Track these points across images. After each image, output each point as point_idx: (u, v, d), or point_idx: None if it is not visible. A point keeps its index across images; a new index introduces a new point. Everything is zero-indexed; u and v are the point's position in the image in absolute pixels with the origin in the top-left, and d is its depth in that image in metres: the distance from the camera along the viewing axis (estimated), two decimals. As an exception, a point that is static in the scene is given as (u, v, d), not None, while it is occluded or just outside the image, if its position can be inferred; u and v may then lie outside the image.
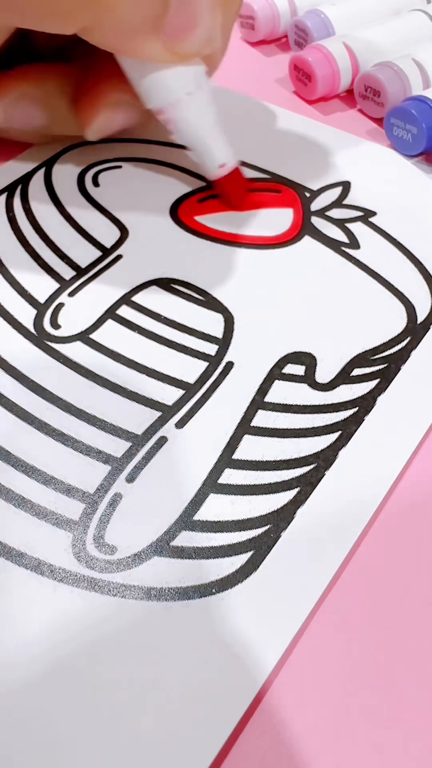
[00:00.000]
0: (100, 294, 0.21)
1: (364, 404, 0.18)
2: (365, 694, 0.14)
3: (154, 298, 0.21)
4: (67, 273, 0.21)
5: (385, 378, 0.19)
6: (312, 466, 0.17)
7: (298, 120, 0.28)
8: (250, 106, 0.29)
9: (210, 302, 0.21)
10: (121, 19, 0.17)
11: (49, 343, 0.19)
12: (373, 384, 0.19)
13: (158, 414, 0.18)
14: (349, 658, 0.15)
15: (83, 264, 0.22)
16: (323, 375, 0.19)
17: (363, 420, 0.18)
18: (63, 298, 0.21)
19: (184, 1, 0.17)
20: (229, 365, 0.19)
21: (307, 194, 0.25)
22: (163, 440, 0.17)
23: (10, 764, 0.13)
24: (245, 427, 0.18)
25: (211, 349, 0.20)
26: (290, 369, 0.19)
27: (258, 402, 0.18)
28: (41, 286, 0.21)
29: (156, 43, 0.18)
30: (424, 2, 0.32)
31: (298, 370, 0.19)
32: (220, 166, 0.22)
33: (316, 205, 0.24)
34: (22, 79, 0.22)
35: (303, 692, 0.14)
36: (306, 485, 0.17)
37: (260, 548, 0.16)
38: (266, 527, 0.16)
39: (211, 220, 0.23)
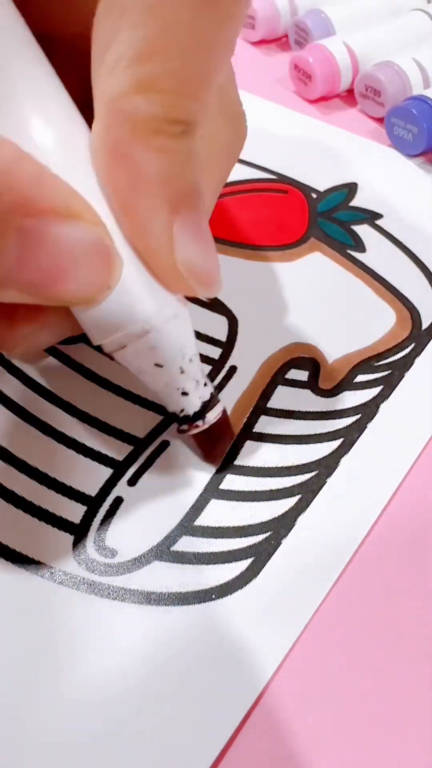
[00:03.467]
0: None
1: (367, 411, 0.18)
2: (364, 699, 0.14)
3: (159, 300, 0.21)
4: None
5: (389, 385, 0.19)
6: (314, 473, 0.17)
7: (301, 120, 0.28)
8: (253, 105, 0.29)
9: (214, 305, 0.21)
10: None
11: (53, 345, 0.19)
12: (376, 391, 0.19)
13: (161, 417, 0.18)
14: (348, 663, 0.15)
15: (88, 264, 0.22)
16: (327, 381, 0.19)
17: (365, 427, 0.18)
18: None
19: (31, 252, 0.12)
20: (233, 369, 0.19)
21: (314, 195, 0.25)
22: (165, 444, 0.17)
23: (10, 764, 0.13)
24: (247, 432, 0.18)
25: (215, 352, 0.20)
26: (293, 374, 0.19)
27: (261, 407, 0.18)
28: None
29: (8, 291, 0.12)
30: (424, 2, 0.32)
31: (302, 375, 0.19)
32: (188, 423, 0.16)
33: (322, 207, 0.24)
34: None
35: (302, 695, 0.14)
36: (307, 492, 0.17)
37: (260, 555, 0.16)
38: (267, 534, 0.16)
39: (216, 221, 0.23)
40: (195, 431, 0.16)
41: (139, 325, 0.14)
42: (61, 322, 0.15)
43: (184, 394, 0.15)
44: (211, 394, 0.16)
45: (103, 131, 0.12)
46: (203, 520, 0.16)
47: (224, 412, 0.16)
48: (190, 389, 0.15)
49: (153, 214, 0.13)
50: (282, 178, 0.25)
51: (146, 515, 0.16)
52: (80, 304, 0.13)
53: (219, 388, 0.19)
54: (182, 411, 0.16)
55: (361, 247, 0.23)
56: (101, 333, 0.14)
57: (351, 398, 0.19)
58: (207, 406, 0.16)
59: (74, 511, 0.16)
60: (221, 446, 0.17)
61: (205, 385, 0.16)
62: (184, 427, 0.16)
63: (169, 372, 0.15)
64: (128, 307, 0.13)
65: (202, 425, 0.16)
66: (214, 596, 0.15)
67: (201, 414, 0.16)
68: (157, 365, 0.14)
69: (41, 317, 0.15)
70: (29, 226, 0.12)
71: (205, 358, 0.19)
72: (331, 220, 0.24)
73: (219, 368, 0.19)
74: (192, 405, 0.15)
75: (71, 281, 0.12)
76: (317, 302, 0.21)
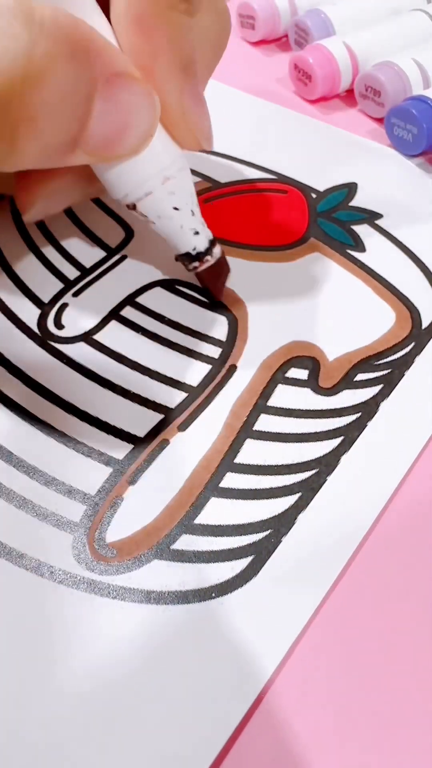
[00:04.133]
0: (104, 295, 0.21)
1: (367, 409, 0.18)
2: (365, 697, 0.14)
3: (158, 300, 0.21)
4: (72, 273, 0.21)
5: (389, 383, 0.19)
6: (314, 471, 0.17)
7: (301, 120, 0.28)
8: (254, 105, 0.29)
9: (214, 304, 0.21)
10: (24, 159, 0.15)
11: (53, 344, 0.19)
12: (376, 389, 0.19)
13: (161, 416, 0.18)
14: (349, 661, 0.15)
15: (88, 264, 0.22)
16: (326, 379, 0.19)
17: (366, 425, 0.18)
18: (67, 298, 0.21)
19: (109, 113, 0.15)
20: (233, 368, 0.19)
21: (314, 195, 0.25)
22: (165, 443, 0.17)
23: (10, 764, 0.13)
24: (248, 430, 0.18)
25: (215, 351, 0.20)
26: (294, 373, 0.19)
27: (261, 406, 0.18)
28: (45, 285, 0.21)
29: (81, 155, 0.15)
30: (424, 2, 0.32)
31: (302, 374, 0.19)
32: (199, 260, 0.19)
33: (322, 207, 0.24)
34: None
35: (303, 694, 0.14)
36: (308, 490, 0.17)
37: (261, 553, 0.16)
38: (267, 532, 0.16)
39: (216, 221, 0.23)
40: (206, 266, 0.19)
41: (161, 174, 0.17)
42: (71, 188, 0.18)
43: (196, 233, 0.19)
44: (213, 235, 0.19)
45: (126, 4, 0.15)
46: (203, 518, 0.16)
47: (223, 251, 0.20)
48: (200, 229, 0.19)
49: (169, 76, 0.15)
50: (282, 178, 0.25)
51: (146, 514, 0.16)
52: (128, 156, 0.16)
53: (219, 387, 0.19)
54: (194, 249, 0.19)
55: (360, 246, 0.23)
56: (132, 184, 0.17)
57: (351, 397, 0.19)
58: (213, 243, 0.19)
59: (74, 510, 0.16)
60: (223, 279, 0.20)
61: (207, 227, 0.19)
62: (196, 264, 0.19)
63: (184, 214, 0.18)
64: (155, 158, 0.17)
65: (211, 260, 0.19)
66: (214, 595, 0.15)
67: (210, 249, 0.19)
68: (175, 208, 0.18)
69: (56, 182, 0.18)
70: (111, 88, 0.14)
71: (204, 358, 0.19)
72: (331, 220, 0.24)
73: (219, 367, 0.19)
74: (202, 242, 0.19)
75: (131, 136, 0.15)
76: (317, 302, 0.21)
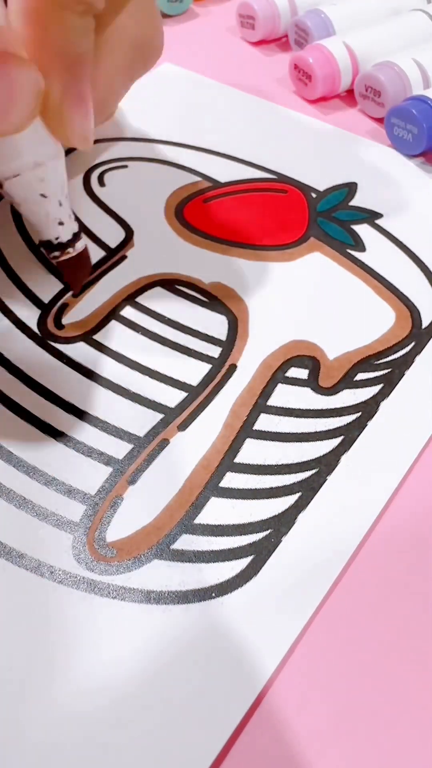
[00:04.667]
0: (104, 295, 0.21)
1: (367, 409, 0.18)
2: (364, 697, 0.14)
3: (158, 300, 0.21)
4: (72, 273, 0.21)
5: (389, 383, 0.19)
6: (314, 471, 0.17)
7: (301, 120, 0.28)
8: (254, 105, 0.29)
9: (214, 304, 0.21)
10: None
11: (53, 344, 0.19)
12: (376, 389, 0.19)
13: (160, 416, 0.18)
14: (349, 661, 0.15)
15: (88, 264, 0.22)
16: (327, 379, 0.19)
17: (366, 425, 0.18)
18: (67, 298, 0.21)
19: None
20: (233, 368, 0.19)
21: (314, 195, 0.25)
22: (165, 443, 0.17)
23: (10, 764, 0.13)
24: (248, 430, 0.18)
25: (215, 351, 0.20)
26: (293, 372, 0.19)
27: (261, 405, 0.18)
28: (45, 286, 0.21)
29: None
30: (424, 2, 0.32)
31: (302, 373, 0.19)
32: (60, 250, 0.19)
33: (322, 207, 0.24)
34: None
35: (303, 694, 0.14)
36: (308, 490, 0.17)
37: (261, 553, 0.16)
38: (267, 532, 0.16)
39: (216, 221, 0.23)
40: (66, 257, 0.19)
41: (33, 159, 0.17)
42: None
43: (61, 223, 0.19)
44: (78, 229, 0.19)
45: None
46: (203, 518, 0.16)
47: (86, 247, 0.19)
48: (65, 220, 0.19)
49: (52, 71, 0.16)
50: (282, 178, 0.25)
51: (146, 514, 0.16)
52: (7, 133, 0.16)
53: (219, 386, 0.19)
54: (57, 239, 0.19)
55: (360, 246, 0.23)
56: (2, 162, 0.17)
57: (351, 396, 0.19)
58: (76, 237, 0.19)
59: (74, 510, 0.16)
60: (83, 274, 0.20)
61: (75, 220, 0.19)
62: (57, 253, 0.19)
63: (51, 202, 0.18)
64: (28, 142, 0.17)
65: (72, 252, 0.19)
66: (214, 594, 0.15)
67: (72, 242, 0.19)
68: (42, 195, 0.18)
69: None
70: (2, 64, 0.14)
71: (204, 357, 0.19)
72: (331, 220, 0.24)
73: (219, 367, 0.19)
74: (66, 233, 0.19)
75: (13, 113, 0.15)
76: (317, 301, 0.21)
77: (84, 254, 0.20)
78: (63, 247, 0.19)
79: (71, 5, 0.15)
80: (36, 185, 0.18)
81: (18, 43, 0.15)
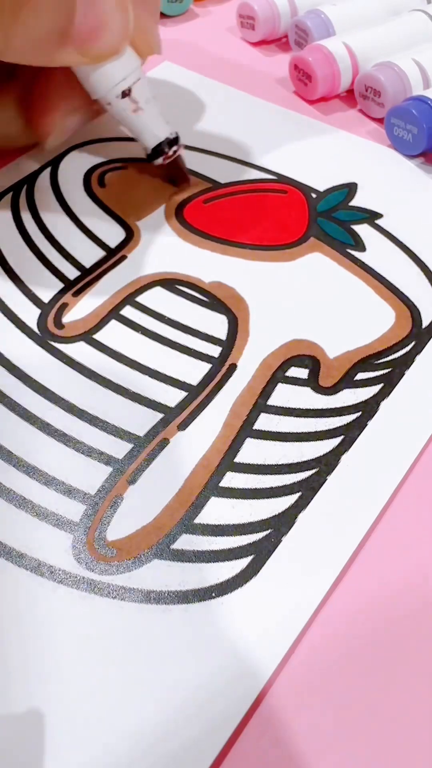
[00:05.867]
0: (104, 294, 0.21)
1: (368, 409, 0.18)
2: (364, 697, 0.14)
3: (158, 299, 0.21)
4: (72, 273, 0.21)
5: (389, 383, 0.19)
6: (314, 471, 0.17)
7: (301, 120, 0.28)
8: (254, 105, 0.29)
9: (214, 304, 0.21)
10: (26, 38, 0.18)
11: (53, 343, 0.19)
12: (376, 388, 0.19)
13: (160, 416, 0.18)
14: (349, 661, 0.14)
15: (88, 264, 0.22)
16: (327, 378, 0.19)
17: (366, 425, 0.18)
18: (67, 298, 0.21)
19: (89, 7, 0.18)
20: (232, 367, 0.19)
21: (314, 195, 0.25)
22: (165, 442, 0.17)
23: (4, 764, 0.13)
24: (248, 430, 0.18)
25: (215, 350, 0.20)
26: (294, 372, 0.19)
27: (261, 405, 0.18)
28: (45, 285, 0.21)
29: (68, 50, 0.18)
30: (424, 2, 0.32)
31: (302, 373, 0.19)
32: (175, 142, 0.23)
33: (322, 207, 0.24)
34: None
35: (303, 694, 0.14)
36: (308, 490, 0.17)
37: (261, 553, 0.16)
38: (267, 531, 0.16)
39: (216, 222, 0.23)
40: (181, 150, 0.23)
41: (138, 69, 0.21)
42: (82, 108, 0.23)
43: (168, 122, 0.23)
44: None
45: None
46: (203, 518, 0.16)
47: None
48: (167, 120, 0.23)
49: None
50: (282, 179, 0.25)
51: (146, 513, 0.16)
52: (111, 55, 0.20)
53: (219, 386, 0.19)
54: (172, 134, 0.23)
55: (361, 246, 0.23)
56: (127, 70, 0.21)
57: (351, 396, 0.19)
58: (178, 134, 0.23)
59: (74, 510, 0.16)
60: (184, 169, 0.24)
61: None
62: (175, 148, 0.23)
63: (157, 104, 0.22)
64: (131, 56, 0.21)
65: (182, 145, 0.23)
66: (214, 594, 0.15)
67: (178, 138, 0.23)
68: (154, 97, 0.22)
69: (69, 103, 0.22)
70: None
71: (204, 357, 0.19)
72: (331, 220, 0.24)
73: (219, 367, 0.19)
74: (173, 130, 0.23)
75: (109, 33, 0.19)
76: (317, 301, 0.21)
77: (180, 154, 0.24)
78: (176, 141, 0.23)
79: None
80: (147, 88, 0.22)
81: None
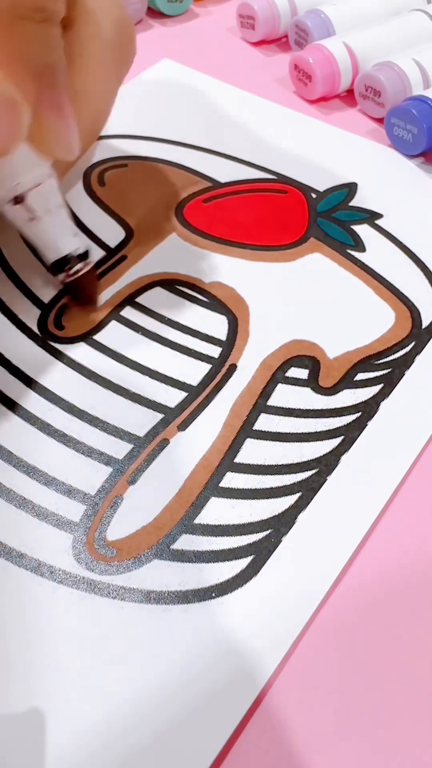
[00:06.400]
0: (104, 295, 0.21)
1: (367, 409, 0.18)
2: (364, 697, 0.14)
3: (158, 300, 0.21)
4: (72, 273, 0.21)
5: (389, 383, 0.19)
6: (314, 471, 0.17)
7: (301, 119, 0.28)
8: (254, 105, 0.29)
9: (214, 304, 0.21)
10: None
11: (53, 344, 0.19)
12: (376, 389, 0.19)
13: (160, 416, 0.18)
14: (349, 662, 0.14)
15: (88, 264, 0.22)
16: (327, 379, 0.19)
17: (366, 425, 0.18)
18: (67, 298, 0.21)
19: None
20: (232, 368, 0.19)
21: (314, 195, 0.25)
22: (165, 442, 0.17)
23: (4, 764, 0.13)
24: (248, 430, 0.18)
25: (215, 351, 0.20)
26: (294, 372, 0.19)
27: (261, 405, 0.18)
28: (46, 286, 0.21)
29: None
30: (424, 2, 0.32)
31: (302, 373, 0.19)
32: (81, 258, 0.19)
33: (322, 207, 0.24)
34: None
35: (303, 694, 0.14)
36: (308, 490, 0.17)
37: (261, 553, 0.16)
38: (267, 532, 0.16)
39: (216, 221, 0.23)
40: (88, 267, 0.19)
41: (44, 170, 0.18)
42: None
43: (76, 234, 0.19)
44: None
45: None
46: (203, 518, 0.16)
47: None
48: (77, 232, 0.19)
49: (22, 84, 0.15)
50: (282, 178, 0.25)
51: (146, 514, 0.16)
52: None
53: (219, 387, 0.19)
54: (77, 249, 0.19)
55: (360, 246, 0.23)
56: (9, 183, 0.17)
57: (351, 396, 0.19)
58: (87, 247, 0.20)
59: (74, 510, 0.16)
60: (96, 285, 0.21)
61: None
62: (80, 266, 0.19)
63: (64, 213, 0.19)
64: (28, 158, 0.17)
65: (90, 263, 0.20)
66: (214, 595, 0.15)
67: (88, 253, 0.20)
68: (59, 206, 0.18)
69: None
70: None
71: (204, 357, 0.19)
72: (331, 220, 0.24)
73: (219, 367, 0.19)
74: (84, 243, 0.19)
75: None
76: (317, 302, 0.21)
77: (93, 265, 0.20)
78: (83, 257, 0.19)
79: (29, 15, 0.15)
80: (55, 194, 0.18)
81: None
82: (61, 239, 0.19)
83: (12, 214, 0.18)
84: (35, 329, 0.20)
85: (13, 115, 0.15)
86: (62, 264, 0.19)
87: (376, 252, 0.23)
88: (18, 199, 0.18)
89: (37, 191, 0.18)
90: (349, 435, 0.18)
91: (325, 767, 0.13)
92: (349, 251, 0.23)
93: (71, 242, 0.19)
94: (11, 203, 0.18)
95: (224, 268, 0.22)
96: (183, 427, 0.18)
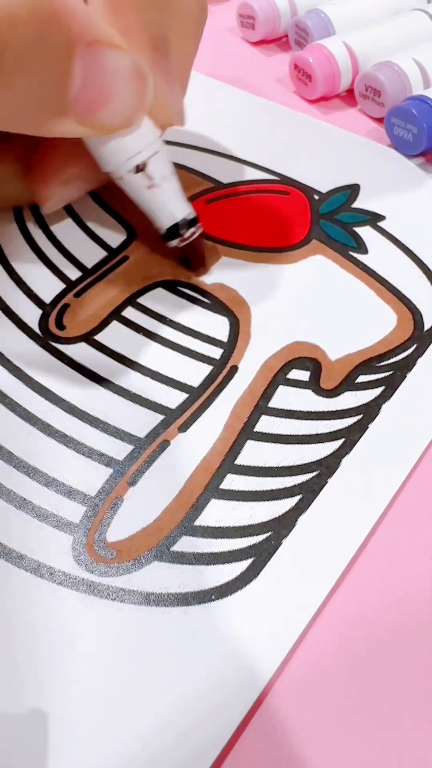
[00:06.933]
0: (105, 295, 0.21)
1: (369, 412, 0.18)
2: (364, 700, 0.14)
3: (160, 300, 0.21)
4: (74, 273, 0.21)
5: (390, 385, 0.19)
6: (314, 474, 0.17)
7: (302, 119, 0.28)
8: (255, 105, 0.29)
9: (215, 305, 0.21)
10: (13, 106, 0.15)
11: (54, 344, 0.19)
12: (377, 391, 0.19)
13: (161, 417, 0.18)
14: (349, 664, 0.14)
15: (89, 264, 0.22)
16: (328, 381, 0.19)
17: (367, 428, 0.18)
18: (68, 298, 0.21)
19: (92, 77, 0.15)
20: (234, 369, 0.19)
21: (316, 197, 0.25)
22: (165, 444, 0.17)
23: (10, 765, 0.13)
24: (248, 432, 0.18)
25: (216, 352, 0.20)
26: (295, 374, 0.19)
27: (262, 407, 0.18)
28: (47, 286, 0.21)
29: (67, 120, 0.16)
30: (424, 2, 0.32)
31: (303, 375, 0.19)
32: (192, 224, 0.20)
33: (325, 209, 0.24)
34: None
35: (302, 697, 0.14)
36: (308, 492, 0.17)
37: (261, 555, 0.16)
38: (267, 534, 0.16)
39: (218, 223, 0.23)
40: (199, 232, 0.21)
41: (156, 141, 0.18)
42: (86, 175, 0.20)
43: (185, 200, 0.20)
44: None
45: None
46: (203, 520, 0.16)
47: None
48: (185, 198, 0.20)
49: (141, 54, 0.16)
50: (284, 179, 0.25)
51: (146, 515, 0.16)
52: (122, 127, 0.17)
53: (220, 388, 0.19)
54: (189, 214, 0.20)
55: (363, 248, 0.23)
56: (142, 143, 0.18)
57: (352, 399, 0.19)
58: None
59: (74, 511, 0.16)
60: (204, 251, 0.22)
61: None
62: (193, 230, 0.20)
63: (176, 179, 0.20)
64: (149, 127, 0.18)
65: (200, 226, 0.21)
66: (213, 597, 0.15)
67: (196, 218, 0.21)
68: (172, 172, 0.19)
69: (69, 170, 0.20)
70: (92, 52, 0.15)
71: (205, 359, 0.19)
72: (334, 222, 0.24)
73: (220, 368, 0.19)
74: (192, 210, 0.20)
75: (118, 103, 0.16)
76: (319, 303, 0.21)
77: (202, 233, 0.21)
78: (194, 222, 0.20)
79: None
80: (166, 163, 0.19)
81: (106, 30, 0.15)
82: (175, 205, 0.20)
83: (133, 182, 0.19)
84: (36, 329, 0.20)
85: (143, 86, 0.16)
86: (176, 229, 0.20)
87: (379, 254, 0.23)
88: (140, 168, 0.19)
89: (155, 158, 0.19)
90: (350, 437, 0.18)
91: (324, 770, 0.13)
92: (351, 253, 0.23)
93: (183, 208, 0.20)
94: (132, 171, 0.19)
95: (226, 269, 0.22)
96: (184, 428, 0.18)
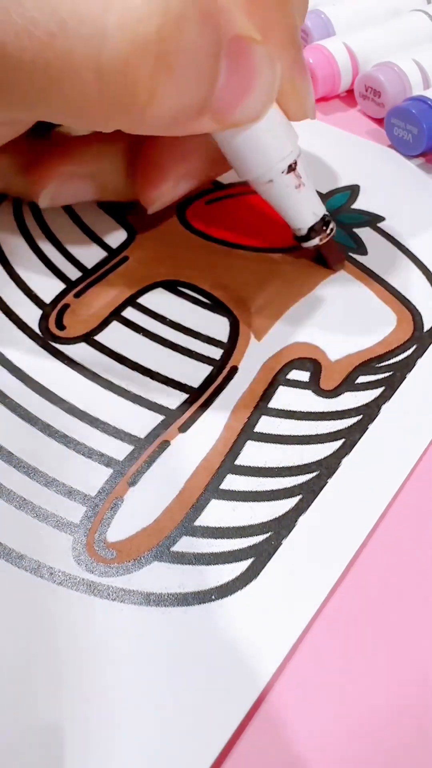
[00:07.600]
0: (105, 295, 0.21)
1: (369, 412, 0.18)
2: (365, 700, 0.14)
3: (160, 301, 0.21)
4: (74, 273, 0.21)
5: (390, 386, 0.19)
6: (314, 474, 0.17)
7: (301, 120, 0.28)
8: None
9: (216, 306, 0.21)
10: (159, 115, 0.15)
11: (54, 344, 0.19)
12: (377, 392, 0.19)
13: (161, 417, 0.18)
14: (350, 664, 0.14)
15: (90, 265, 0.22)
16: (328, 381, 0.19)
17: (367, 428, 0.18)
18: (68, 298, 0.21)
19: (235, 73, 0.15)
20: (234, 370, 0.19)
21: (316, 197, 0.25)
22: (165, 444, 0.17)
23: (10, 766, 0.13)
24: (248, 432, 0.18)
25: (216, 353, 0.20)
26: (295, 375, 0.19)
27: (262, 408, 0.18)
28: (47, 286, 0.21)
29: (204, 118, 0.15)
30: (424, 2, 0.32)
31: (303, 376, 0.19)
32: (326, 228, 0.20)
33: (324, 209, 0.24)
34: (68, 157, 0.20)
35: (302, 697, 0.14)
36: (308, 493, 0.17)
37: (261, 555, 0.16)
38: (267, 534, 0.16)
39: (218, 223, 0.23)
40: (334, 231, 0.20)
41: (296, 145, 0.18)
42: (197, 173, 0.20)
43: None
44: None
45: None
46: (203, 520, 0.16)
47: None
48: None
49: (282, 50, 0.16)
50: (284, 180, 0.25)
51: (146, 515, 0.16)
52: (249, 122, 0.16)
53: (220, 388, 0.19)
54: (325, 216, 0.20)
55: (363, 249, 0.23)
56: (289, 145, 0.18)
57: (352, 399, 0.19)
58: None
59: (74, 511, 0.16)
60: (338, 248, 0.22)
61: None
62: (329, 229, 0.20)
63: (312, 184, 0.19)
64: (289, 123, 0.18)
65: (334, 227, 0.20)
66: (213, 597, 0.15)
67: (331, 219, 0.20)
68: (310, 171, 0.19)
69: (182, 168, 0.19)
70: (235, 48, 0.15)
71: (206, 359, 0.19)
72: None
73: (220, 369, 0.19)
74: (325, 209, 0.20)
75: (253, 99, 0.16)
76: (319, 304, 0.21)
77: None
78: (329, 223, 0.20)
79: None
80: (305, 165, 0.19)
81: (245, 23, 0.15)
82: (317, 203, 0.20)
83: (283, 183, 0.19)
84: (36, 329, 0.20)
85: (274, 79, 0.16)
86: (317, 227, 0.20)
87: (378, 255, 0.23)
88: (291, 167, 0.18)
89: (302, 157, 0.19)
90: (350, 438, 0.18)
91: (324, 770, 0.13)
92: (351, 254, 0.23)
93: (321, 204, 0.20)
94: (285, 172, 0.18)
95: (226, 269, 0.22)
96: (184, 428, 0.18)
